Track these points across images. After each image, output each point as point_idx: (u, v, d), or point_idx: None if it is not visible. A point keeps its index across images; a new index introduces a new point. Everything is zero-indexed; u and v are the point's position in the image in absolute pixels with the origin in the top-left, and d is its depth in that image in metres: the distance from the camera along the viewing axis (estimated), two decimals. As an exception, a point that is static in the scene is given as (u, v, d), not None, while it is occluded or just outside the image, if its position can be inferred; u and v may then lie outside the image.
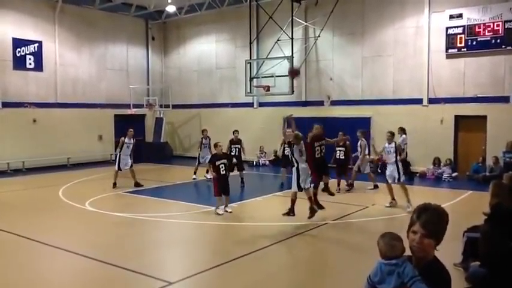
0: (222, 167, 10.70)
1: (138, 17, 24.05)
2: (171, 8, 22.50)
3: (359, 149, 14.19)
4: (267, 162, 20.84)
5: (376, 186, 14.01)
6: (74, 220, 10.46)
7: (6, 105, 19.07)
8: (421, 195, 13.92)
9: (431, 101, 17.32)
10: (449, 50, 16.66)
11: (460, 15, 16.34)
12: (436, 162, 16.65)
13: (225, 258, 7.35)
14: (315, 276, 6.92)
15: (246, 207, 11.95)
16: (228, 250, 7.96)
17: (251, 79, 19.31)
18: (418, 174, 16.82)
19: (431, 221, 2.44)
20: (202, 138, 16.70)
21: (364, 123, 18.59)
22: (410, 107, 17.63)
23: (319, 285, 6.55)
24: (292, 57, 18.39)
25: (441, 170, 16.37)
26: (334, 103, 19.70)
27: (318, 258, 7.87)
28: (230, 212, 10.72)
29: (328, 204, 10.45)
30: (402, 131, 15.39)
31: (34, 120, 19.88)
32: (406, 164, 16.32)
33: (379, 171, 15.24)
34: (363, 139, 14.27)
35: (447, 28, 16.62)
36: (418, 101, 17.54)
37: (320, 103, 20.02)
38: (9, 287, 6.36)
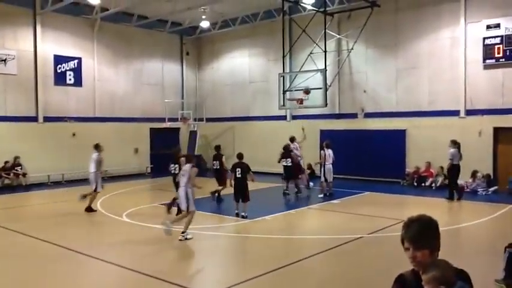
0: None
1: (173, 33, 24.61)
2: (205, 24, 22.93)
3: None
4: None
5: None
6: (112, 231, 10.72)
7: (47, 119, 19.81)
8: (458, 209, 13.66)
9: (469, 112, 16.93)
10: (487, 61, 16.31)
11: (497, 25, 16.00)
12: (475, 175, 16.21)
13: (261, 271, 7.39)
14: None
15: (278, 220, 11.95)
16: (263, 262, 7.98)
17: (284, 92, 19.41)
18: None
19: (418, 232, 2.42)
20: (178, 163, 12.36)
21: (399, 136, 18.40)
22: (447, 119, 17.29)
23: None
24: (326, 70, 18.41)
25: (476, 183, 15.96)
26: (368, 115, 19.56)
27: (354, 273, 7.77)
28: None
29: (361, 217, 10.30)
30: (454, 144, 14.22)
31: (73, 134, 20.53)
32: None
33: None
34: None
35: (484, 38, 16.30)
36: (455, 113, 17.19)
37: (354, 115, 19.91)
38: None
